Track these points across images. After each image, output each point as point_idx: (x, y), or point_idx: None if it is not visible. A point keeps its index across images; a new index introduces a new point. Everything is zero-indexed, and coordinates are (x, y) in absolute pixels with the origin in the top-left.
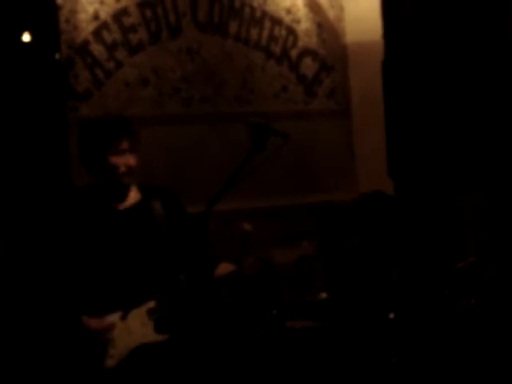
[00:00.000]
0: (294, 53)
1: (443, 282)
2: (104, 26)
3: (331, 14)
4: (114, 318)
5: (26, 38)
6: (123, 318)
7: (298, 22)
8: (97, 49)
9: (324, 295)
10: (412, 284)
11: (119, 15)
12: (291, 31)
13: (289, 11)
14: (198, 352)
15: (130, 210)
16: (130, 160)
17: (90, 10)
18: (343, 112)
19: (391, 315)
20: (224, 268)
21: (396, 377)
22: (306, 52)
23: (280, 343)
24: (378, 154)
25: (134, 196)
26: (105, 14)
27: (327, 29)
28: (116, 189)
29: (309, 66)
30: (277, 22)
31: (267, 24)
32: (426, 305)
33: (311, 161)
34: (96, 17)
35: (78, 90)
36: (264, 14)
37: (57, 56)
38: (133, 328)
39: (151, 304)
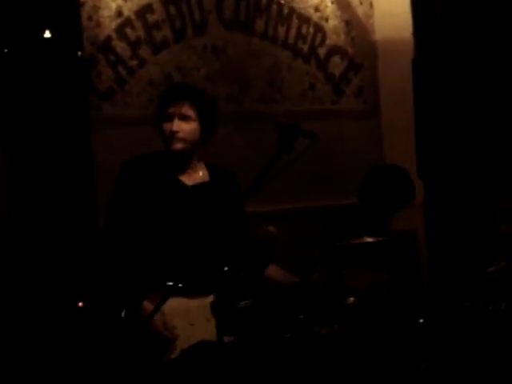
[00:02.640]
0: (321, 51)
1: (474, 287)
2: (127, 22)
3: (360, 10)
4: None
5: (48, 34)
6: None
7: (326, 19)
8: (120, 46)
9: (352, 300)
10: (443, 288)
11: (143, 12)
12: (319, 29)
13: (317, 8)
14: (252, 356)
15: (198, 188)
16: (175, 125)
17: (113, 6)
18: (372, 111)
19: (421, 320)
20: (276, 272)
21: (426, 382)
22: (334, 50)
23: (306, 348)
24: (408, 154)
25: (202, 174)
26: (128, 10)
27: (356, 26)
28: (173, 158)
29: (337, 65)
30: (304, 19)
31: (295, 22)
32: (457, 309)
33: (339, 161)
34: (119, 13)
35: (100, 88)
36: (292, 11)
37: (79, 53)
38: (196, 321)
39: (212, 298)
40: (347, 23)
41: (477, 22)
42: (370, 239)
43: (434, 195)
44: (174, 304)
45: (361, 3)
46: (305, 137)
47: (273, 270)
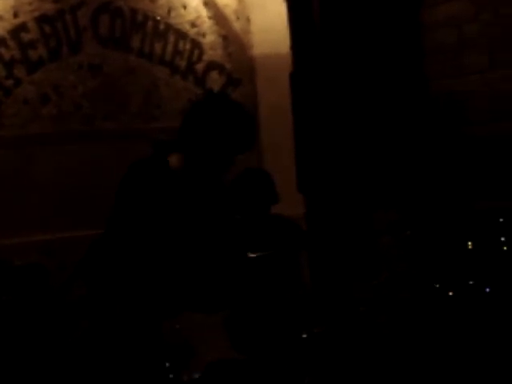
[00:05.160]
0: (199, 67)
1: (358, 299)
2: (1, 42)
3: (237, 26)
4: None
5: None
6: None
7: (204, 35)
8: None
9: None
10: (327, 302)
11: (17, 31)
12: (196, 45)
13: (193, 24)
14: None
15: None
16: None
17: None
18: None
19: (304, 335)
20: None
21: None
22: (212, 66)
23: None
24: (288, 169)
25: None
26: (2, 30)
27: (233, 41)
28: None
29: (215, 80)
30: (181, 35)
31: (171, 38)
32: (342, 323)
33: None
34: None
35: None
36: (168, 27)
37: None
38: (212, 339)
39: (227, 314)
40: (224, 38)
41: (355, 35)
42: (252, 254)
43: (314, 209)
44: (191, 320)
45: (238, 18)
46: None
47: None
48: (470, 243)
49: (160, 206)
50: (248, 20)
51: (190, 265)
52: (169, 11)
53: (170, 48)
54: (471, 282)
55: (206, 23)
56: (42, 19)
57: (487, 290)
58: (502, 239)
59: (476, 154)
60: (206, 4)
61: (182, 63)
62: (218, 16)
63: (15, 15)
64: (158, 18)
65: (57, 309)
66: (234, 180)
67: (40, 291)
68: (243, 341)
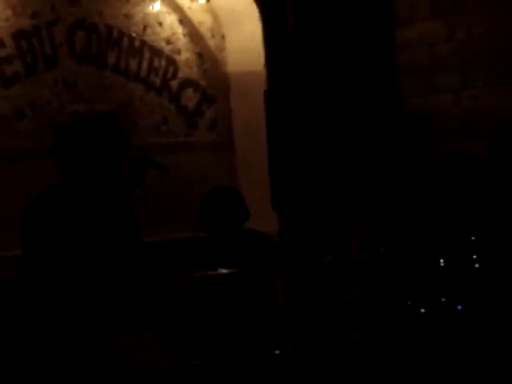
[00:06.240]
0: (174, 84)
1: (330, 316)
2: None
3: (212, 43)
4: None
5: None
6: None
7: (179, 52)
8: None
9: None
10: (299, 318)
11: None
12: (171, 62)
13: (169, 41)
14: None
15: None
16: None
17: None
18: (226, 144)
19: (277, 351)
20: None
21: None
22: (187, 83)
23: None
24: (262, 186)
25: None
26: None
27: (208, 59)
28: None
29: (190, 97)
30: (156, 52)
31: (147, 54)
32: (314, 340)
33: (192, 194)
34: None
35: None
36: (143, 44)
37: None
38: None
39: (158, 325)
40: (199, 56)
41: (329, 53)
42: (224, 270)
43: (288, 226)
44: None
45: (213, 36)
46: (155, 169)
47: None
48: (442, 261)
49: (67, 238)
50: (223, 38)
51: (111, 286)
52: (144, 28)
53: (145, 65)
54: (443, 300)
55: (181, 40)
56: (18, 35)
57: (459, 307)
58: (474, 257)
59: (444, 172)
60: (181, 21)
61: (157, 80)
62: (193, 33)
63: None
64: (134, 34)
65: None
66: (204, 198)
67: None
68: (177, 350)
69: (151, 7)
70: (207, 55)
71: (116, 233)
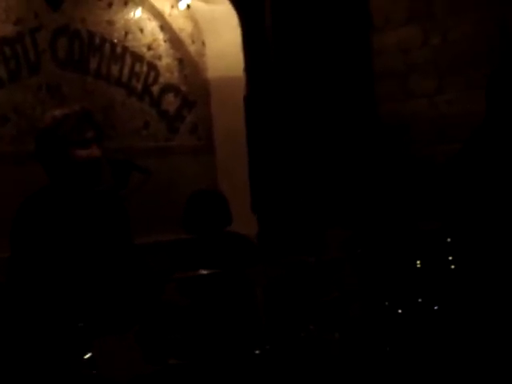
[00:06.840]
0: (155, 89)
1: (308, 317)
2: None
3: (192, 49)
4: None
5: None
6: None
7: (159, 57)
8: None
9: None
10: (278, 319)
11: None
12: (152, 67)
13: (150, 47)
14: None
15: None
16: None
17: None
18: (206, 148)
19: (257, 351)
20: None
21: None
22: (168, 88)
23: None
24: (242, 189)
25: None
26: None
27: (189, 64)
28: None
29: (170, 102)
30: (138, 58)
31: (128, 60)
32: (292, 340)
33: (174, 198)
34: None
35: None
36: (125, 50)
37: None
38: (119, 354)
39: (136, 328)
40: (180, 61)
41: (308, 58)
42: (204, 271)
43: (267, 229)
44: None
45: (193, 42)
46: (139, 172)
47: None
48: (418, 262)
49: (54, 241)
50: (203, 44)
51: (97, 287)
52: (126, 34)
53: (126, 70)
54: (420, 300)
55: (162, 46)
56: (1, 41)
57: (435, 307)
58: (450, 258)
59: (420, 174)
60: (162, 28)
61: (139, 85)
62: (174, 39)
63: None
64: (115, 40)
65: None
66: (188, 200)
67: None
68: (156, 351)
69: (132, 14)
70: (187, 61)
71: (104, 234)
